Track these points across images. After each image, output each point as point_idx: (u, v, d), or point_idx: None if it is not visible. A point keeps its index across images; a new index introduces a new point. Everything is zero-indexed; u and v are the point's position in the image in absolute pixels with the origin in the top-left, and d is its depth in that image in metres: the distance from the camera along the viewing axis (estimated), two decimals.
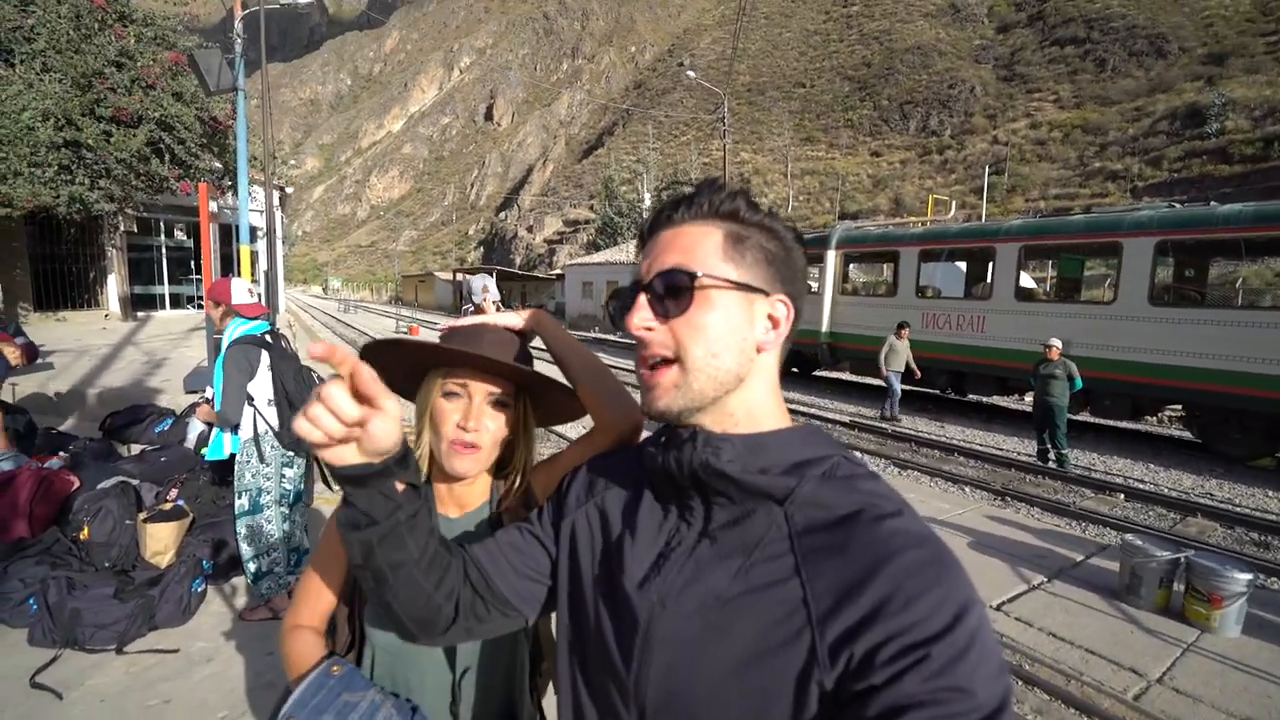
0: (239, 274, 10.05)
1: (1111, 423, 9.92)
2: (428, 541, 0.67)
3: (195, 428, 5.03)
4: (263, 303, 3.36)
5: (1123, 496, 6.58)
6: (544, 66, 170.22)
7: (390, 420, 0.56)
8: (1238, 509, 6.23)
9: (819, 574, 0.54)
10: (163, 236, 15.16)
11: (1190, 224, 8.35)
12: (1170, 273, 9.91)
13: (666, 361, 0.62)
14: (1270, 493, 6.90)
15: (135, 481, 3.70)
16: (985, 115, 63.56)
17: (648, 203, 44.36)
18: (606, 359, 18.47)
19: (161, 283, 15.39)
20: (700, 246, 0.62)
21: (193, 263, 15.85)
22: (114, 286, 13.56)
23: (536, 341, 0.99)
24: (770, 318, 0.64)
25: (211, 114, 12.26)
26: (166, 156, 11.37)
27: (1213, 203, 8.90)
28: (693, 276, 0.61)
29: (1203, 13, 60.00)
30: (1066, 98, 60.49)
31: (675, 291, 0.61)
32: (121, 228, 12.71)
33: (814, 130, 76.88)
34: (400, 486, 0.62)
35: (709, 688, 0.56)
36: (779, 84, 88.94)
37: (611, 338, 26.77)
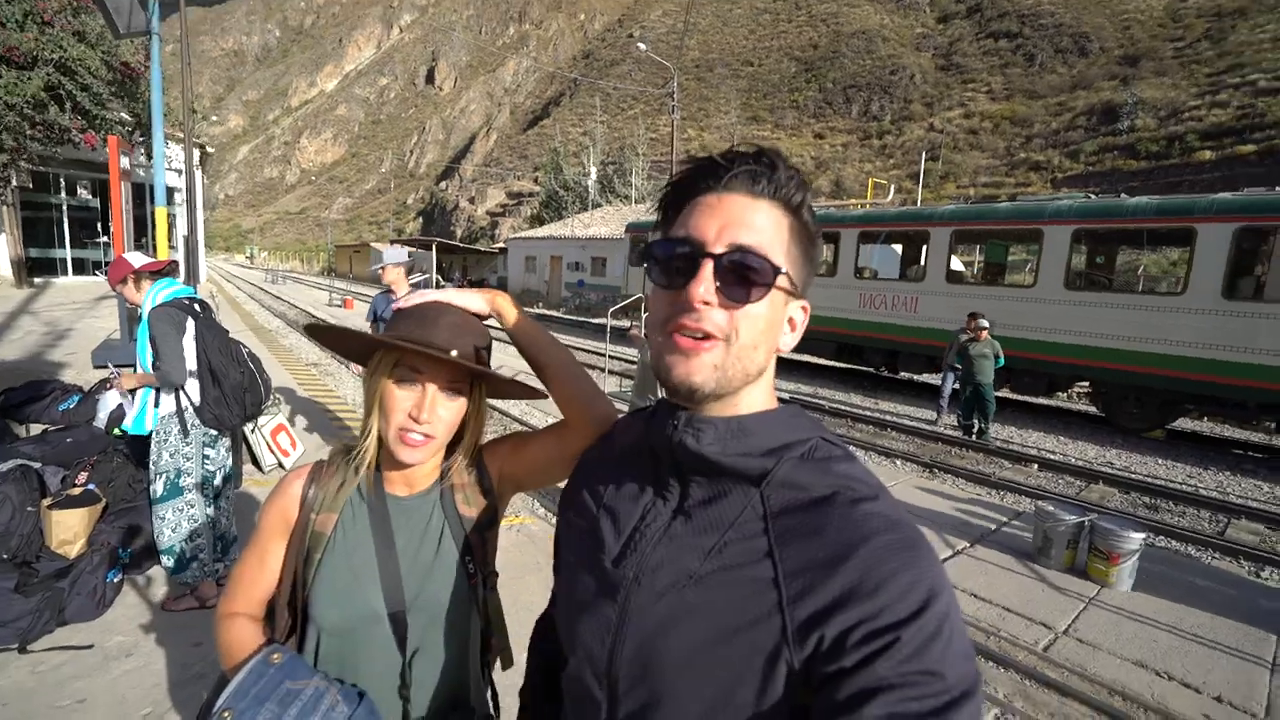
0: (154, 237, 9.31)
1: (1028, 399, 10.64)
2: None
3: (106, 405, 4.63)
4: (181, 270, 3.14)
5: (1036, 467, 7.10)
6: (489, 29, 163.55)
7: None
8: (1133, 476, 6.85)
9: (792, 555, 0.55)
10: (64, 194, 13.78)
11: (1103, 214, 8.95)
12: (1084, 259, 10.61)
13: (708, 337, 0.58)
14: (1160, 460, 7.62)
15: (37, 465, 3.41)
16: (923, 103, 65.72)
17: (594, 177, 43.69)
18: (559, 338, 18.38)
19: (63, 246, 14.03)
20: (777, 235, 0.59)
21: (99, 224, 14.54)
22: (5, 248, 12.28)
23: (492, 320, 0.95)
24: (791, 320, 0.63)
25: (121, 59, 11.16)
26: (68, 104, 10.29)
27: (1122, 195, 9.55)
28: (776, 271, 0.58)
29: (1121, 15, 63.66)
30: (998, 90, 63.24)
31: (752, 277, 0.57)
32: (14, 182, 11.46)
33: (760, 110, 77.51)
34: None
35: (679, 664, 0.56)
36: (728, 61, 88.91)
37: (556, 314, 26.44)
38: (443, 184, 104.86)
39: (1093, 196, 9.79)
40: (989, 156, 54.00)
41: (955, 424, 8.48)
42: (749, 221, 0.58)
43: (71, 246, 14.19)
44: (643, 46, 23.91)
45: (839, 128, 69.29)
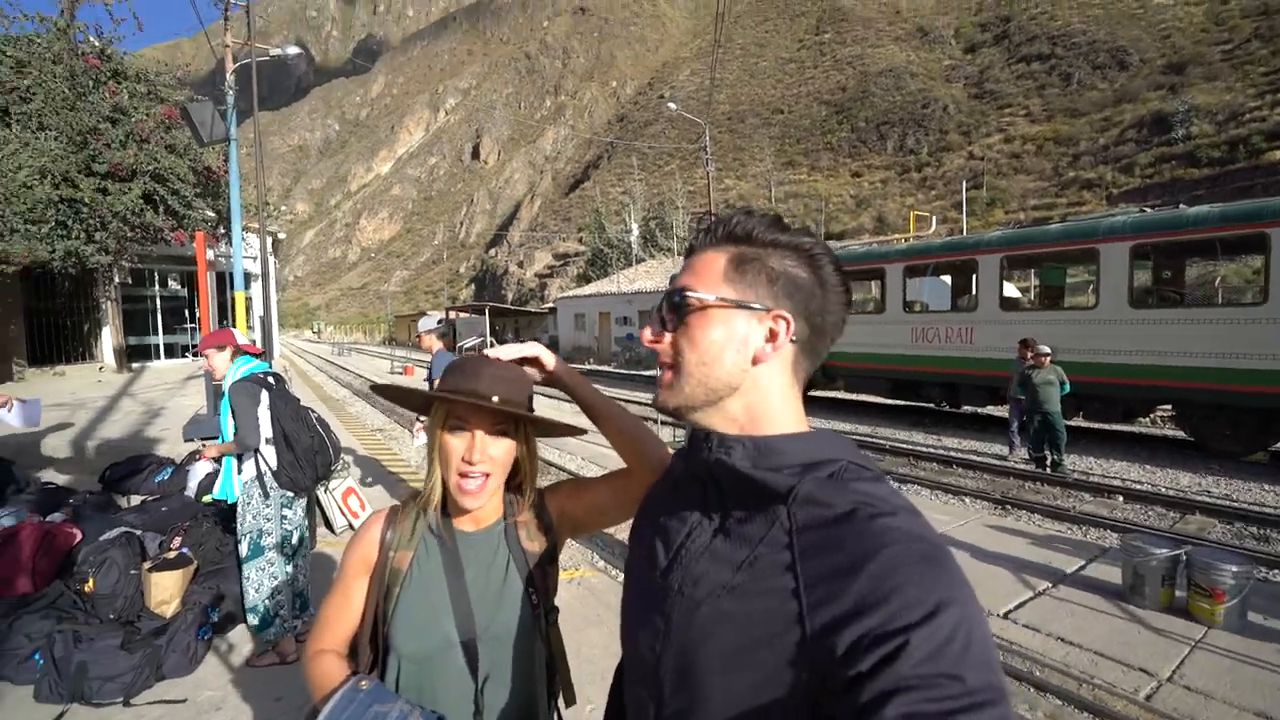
0: (234, 320, 10.12)
1: (1105, 426, 10.01)
2: None
3: (196, 475, 5.04)
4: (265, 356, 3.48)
5: (1121, 498, 6.63)
6: (528, 104, 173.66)
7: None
8: (1236, 504, 6.29)
9: (812, 567, 0.58)
10: (157, 286, 15.26)
11: (1162, 227, 8.58)
12: (1148, 275, 10.13)
13: (667, 367, 0.71)
14: (1267, 486, 6.97)
15: (138, 531, 3.70)
16: (960, 132, 65.13)
17: (635, 233, 44.87)
18: (606, 390, 18.38)
19: (156, 333, 15.42)
20: (706, 269, 0.70)
21: (187, 311, 15.92)
22: (109, 338, 13.59)
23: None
24: (771, 332, 0.68)
25: (204, 164, 12.48)
26: (161, 208, 11.54)
27: (1182, 205, 9.15)
28: (684, 296, 0.69)
29: (1159, 25, 62.19)
30: (1037, 112, 62.16)
31: (674, 309, 0.70)
32: (116, 279, 12.79)
33: (795, 154, 78.46)
34: None
35: (713, 670, 0.60)
36: (758, 111, 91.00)
37: (606, 369, 26.82)
38: (492, 251, 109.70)
39: (1148, 210, 9.43)
40: (1036, 179, 52.66)
41: (1027, 457, 8.06)
42: (686, 270, 0.72)
43: (164, 333, 15.57)
44: (673, 106, 24.86)
45: (876, 164, 69.28)
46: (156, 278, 15.14)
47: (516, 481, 1.06)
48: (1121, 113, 52.76)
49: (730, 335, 0.68)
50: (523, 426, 1.02)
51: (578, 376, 1.06)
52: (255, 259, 15.49)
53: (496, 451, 0.98)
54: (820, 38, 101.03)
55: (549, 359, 1.03)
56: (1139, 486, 7.04)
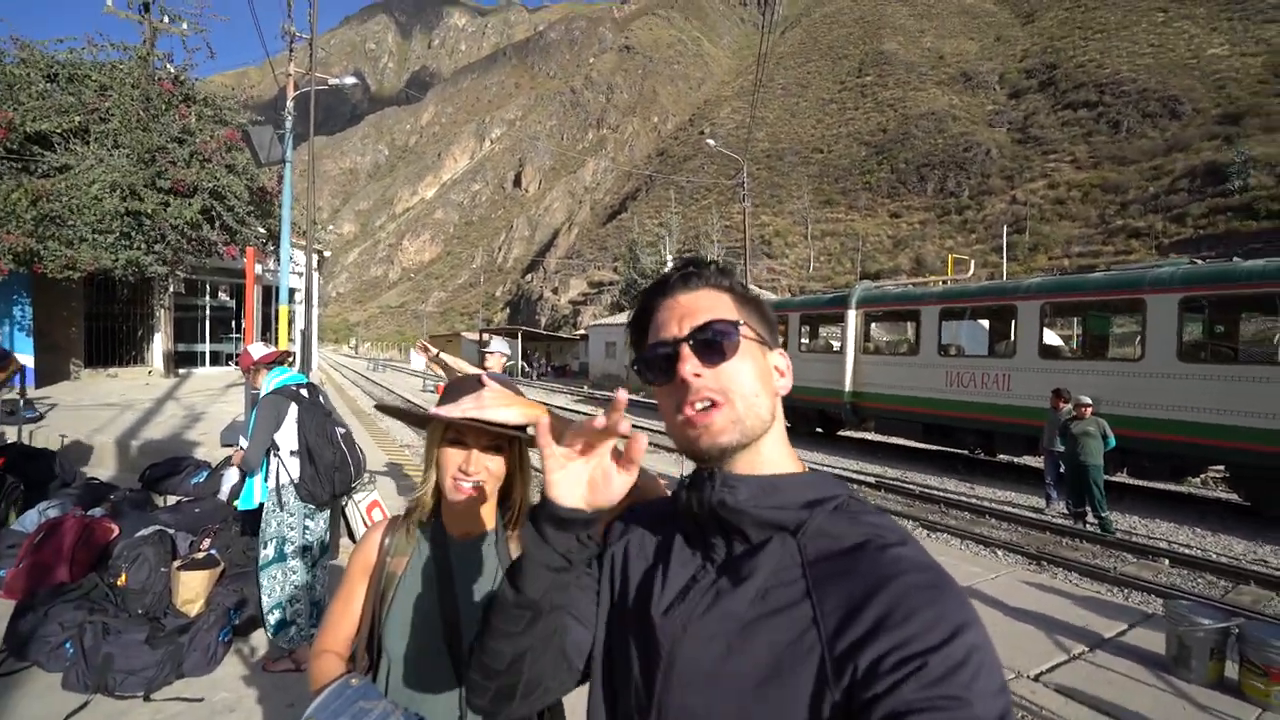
0: (277, 332, 10.50)
1: (1151, 484, 9.57)
2: (565, 597, 0.71)
3: (229, 479, 5.18)
4: (296, 359, 3.60)
5: (1167, 562, 6.28)
6: (570, 136, 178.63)
7: (630, 480, 0.63)
8: None
9: (828, 596, 0.58)
10: (207, 297, 15.98)
11: (1214, 280, 8.29)
12: (1199, 329, 9.76)
13: (714, 404, 0.66)
14: None
15: (171, 530, 3.82)
16: (1002, 176, 64.47)
17: (669, 264, 45.40)
18: (633, 419, 18.49)
19: (203, 341, 16.10)
20: (722, 305, 0.70)
21: (233, 322, 16.59)
22: (159, 344, 14.22)
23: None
24: (777, 368, 0.71)
25: (260, 184, 13.13)
26: (216, 223, 12.15)
27: (1236, 258, 8.85)
28: (737, 326, 0.68)
29: (1214, 75, 61.03)
30: (1083, 158, 61.24)
31: (720, 341, 0.67)
32: (171, 289, 13.46)
33: (833, 193, 78.58)
34: (592, 538, 0.67)
35: (728, 707, 0.59)
36: (797, 150, 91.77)
37: (635, 397, 26.86)
38: (528, 276, 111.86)
39: (1198, 262, 9.14)
40: (1081, 226, 51.59)
41: (1066, 511, 7.74)
42: (699, 306, 0.70)
43: (210, 341, 16.23)
44: (712, 142, 25.28)
45: (915, 206, 68.87)
46: (207, 289, 15.87)
47: (508, 504, 1.10)
48: (1173, 161, 51.59)
49: (763, 368, 0.69)
50: (517, 444, 1.06)
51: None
52: (301, 275, 16.11)
53: (490, 463, 1.02)
54: (862, 80, 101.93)
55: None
56: (1187, 550, 6.67)
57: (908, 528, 7.23)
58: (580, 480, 0.63)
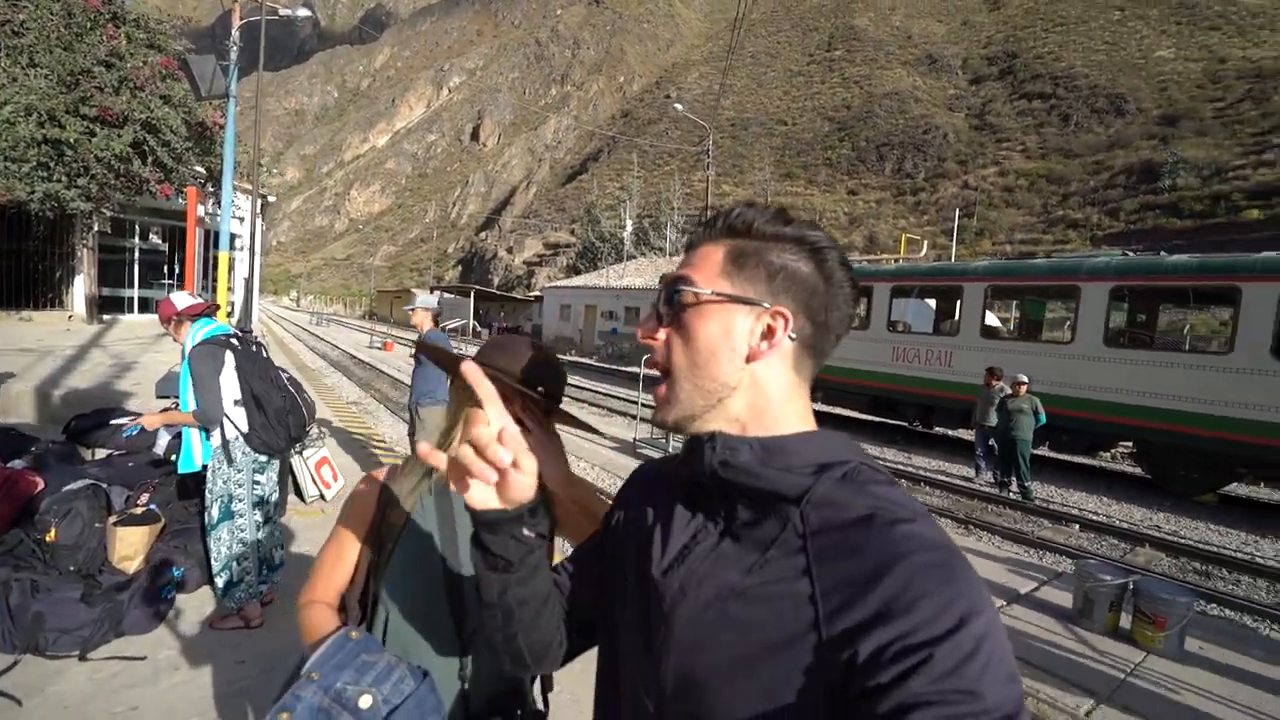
0: (215, 281, 9.95)
1: (1068, 457, 10.30)
2: (546, 580, 0.72)
3: (165, 434, 4.96)
4: (235, 311, 3.36)
5: (1078, 527, 6.84)
6: (533, 91, 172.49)
7: (529, 474, 0.62)
8: (1182, 540, 6.54)
9: (829, 572, 0.55)
10: (136, 239, 14.86)
11: (1143, 272, 8.85)
12: (1124, 317, 10.43)
13: (664, 374, 0.66)
14: (1212, 526, 7.26)
15: (105, 485, 3.64)
16: (957, 161, 66.20)
17: (629, 229, 44.95)
18: (587, 383, 18.32)
19: (131, 285, 15.00)
20: (704, 263, 0.67)
21: (166, 267, 15.55)
22: (81, 287, 13.22)
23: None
24: (769, 328, 0.64)
25: (199, 119, 12.21)
26: (149, 159, 11.26)
27: (1163, 253, 9.44)
28: (678, 289, 0.66)
29: (1158, 77, 63.80)
30: (1033, 149, 63.43)
31: (669, 301, 0.67)
32: (95, 227, 12.46)
33: (794, 166, 79.07)
34: (528, 533, 0.65)
35: (720, 676, 0.58)
36: (762, 120, 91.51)
37: (589, 361, 26.80)
38: (483, 234, 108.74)
39: (1130, 254, 9.70)
40: (1025, 214, 53.78)
41: (993, 480, 8.27)
42: (686, 261, 0.69)
43: (140, 286, 15.17)
44: (679, 107, 24.90)
45: (872, 184, 70.09)
46: (137, 229, 14.74)
47: None
48: (1114, 157, 54.10)
49: (725, 331, 0.64)
50: (549, 413, 1.06)
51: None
52: (242, 220, 15.20)
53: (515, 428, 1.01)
54: (831, 54, 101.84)
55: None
56: (1095, 517, 7.26)
57: None
58: (485, 484, 0.62)
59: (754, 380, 0.64)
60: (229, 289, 10.79)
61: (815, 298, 0.65)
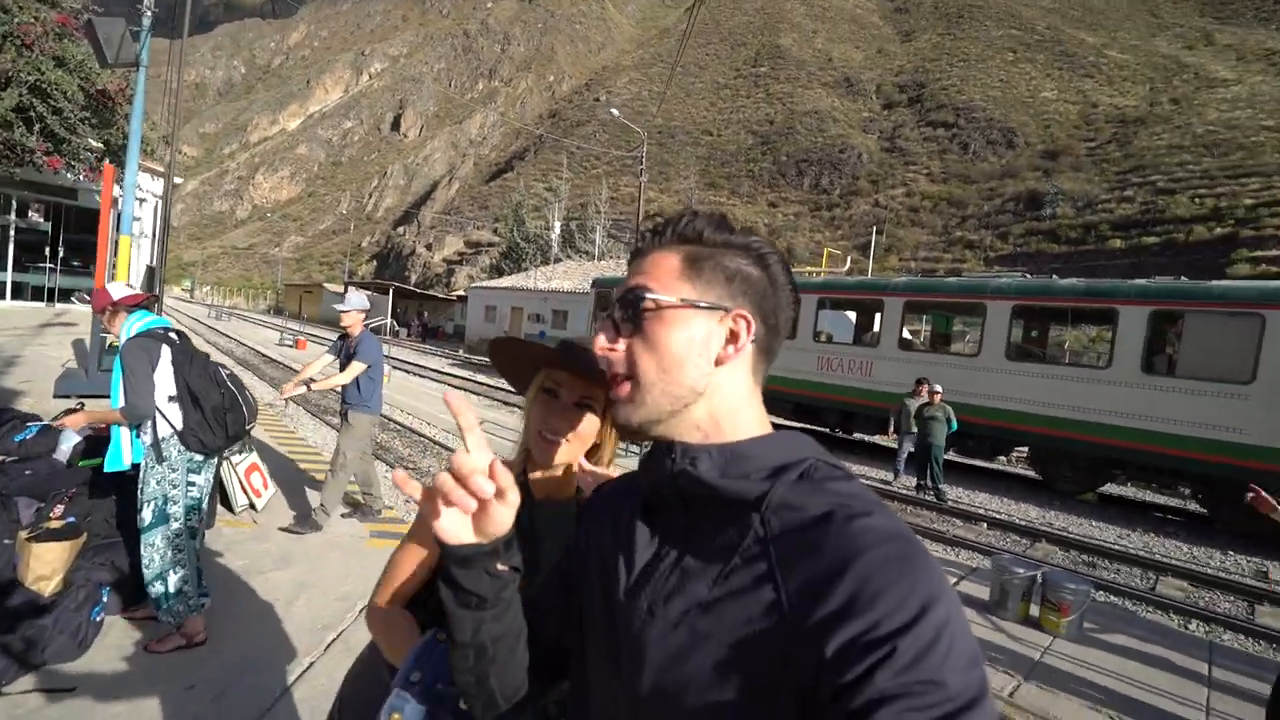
0: (115, 267, 9.03)
1: (974, 462, 11.25)
2: (519, 615, 0.69)
3: (70, 438, 4.48)
4: (159, 305, 3.17)
5: (985, 525, 7.51)
6: (459, 83, 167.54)
7: (511, 507, 0.60)
8: (1071, 535, 7.36)
9: (792, 575, 0.55)
10: (13, 215, 13.12)
11: (1039, 292, 9.85)
12: (1021, 332, 11.53)
13: (626, 380, 0.65)
14: (1093, 522, 8.20)
15: (9, 495, 3.28)
16: (869, 180, 70.37)
17: (556, 231, 44.55)
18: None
19: (4, 269, 13.29)
20: (660, 269, 0.66)
21: (47, 249, 13.90)
22: None
23: None
24: (731, 333, 0.65)
25: (98, 86, 10.98)
26: (36, 126, 10.03)
27: (1054, 276, 10.53)
28: (641, 297, 0.65)
29: (1043, 115, 70.72)
30: (936, 173, 68.47)
31: (630, 312, 0.65)
32: None
33: (717, 176, 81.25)
34: (502, 567, 0.63)
35: (694, 690, 0.58)
36: (688, 130, 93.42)
37: None
38: (400, 229, 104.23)
39: (1027, 276, 10.75)
40: (928, 233, 57.98)
41: (914, 485, 8.88)
42: (639, 269, 0.68)
43: (14, 270, 13.44)
44: (615, 112, 25.06)
45: (791, 198, 73.21)
46: (14, 205, 13.05)
47: (596, 459, 1.12)
48: (1005, 186, 59.36)
49: (692, 338, 0.64)
50: (607, 408, 1.09)
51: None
52: (142, 201, 13.86)
53: (577, 422, 1.04)
54: (756, 70, 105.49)
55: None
56: (999, 516, 7.99)
57: None
58: (461, 515, 0.60)
59: (719, 386, 0.65)
60: (127, 278, 9.81)
61: (766, 300, 0.66)
